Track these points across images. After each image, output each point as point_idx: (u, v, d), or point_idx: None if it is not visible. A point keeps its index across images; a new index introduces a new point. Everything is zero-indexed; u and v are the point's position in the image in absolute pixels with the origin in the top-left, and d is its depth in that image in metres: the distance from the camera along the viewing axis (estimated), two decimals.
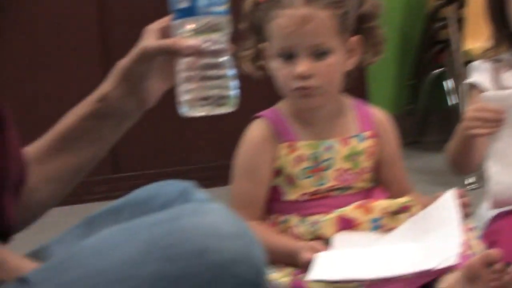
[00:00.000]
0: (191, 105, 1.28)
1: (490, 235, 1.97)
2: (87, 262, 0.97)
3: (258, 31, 1.88)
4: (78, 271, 0.97)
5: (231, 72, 1.31)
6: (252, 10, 1.88)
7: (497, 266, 1.59)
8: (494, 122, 1.93)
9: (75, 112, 1.35)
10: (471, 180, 3.05)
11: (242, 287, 0.97)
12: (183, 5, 1.24)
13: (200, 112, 1.28)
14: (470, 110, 1.96)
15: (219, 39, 1.28)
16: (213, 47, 1.28)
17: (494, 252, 1.61)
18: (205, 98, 1.26)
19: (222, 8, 1.27)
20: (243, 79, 1.96)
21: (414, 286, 1.65)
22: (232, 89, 1.28)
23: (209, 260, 0.96)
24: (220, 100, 1.26)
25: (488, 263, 1.59)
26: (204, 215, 0.99)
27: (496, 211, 2.04)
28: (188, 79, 1.29)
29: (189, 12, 1.24)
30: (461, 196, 1.80)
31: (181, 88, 1.29)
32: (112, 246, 0.98)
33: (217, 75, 1.28)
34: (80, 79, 3.30)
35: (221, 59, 1.29)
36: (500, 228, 1.98)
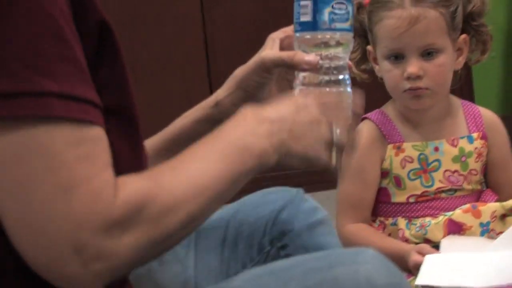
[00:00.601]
0: None
1: None
2: None
3: (362, 34, 1.87)
4: None
5: (349, 89, 1.26)
6: (356, 12, 1.87)
7: None
8: None
9: (189, 115, 1.36)
10: None
11: None
12: (305, 18, 1.21)
13: None
14: None
15: (340, 56, 1.24)
16: (333, 64, 1.24)
17: None
18: None
19: (345, 25, 1.22)
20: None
21: None
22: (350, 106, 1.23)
23: None
24: None
25: None
26: (359, 265, 0.96)
27: None
28: None
29: (311, 27, 1.21)
30: None
31: None
32: None
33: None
34: (185, 88, 3.35)
35: (341, 76, 1.25)
36: None
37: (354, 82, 1.91)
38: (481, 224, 1.78)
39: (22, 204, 0.91)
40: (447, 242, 1.76)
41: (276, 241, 1.32)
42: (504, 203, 1.79)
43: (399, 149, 1.82)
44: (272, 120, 1.07)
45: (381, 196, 1.84)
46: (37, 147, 0.91)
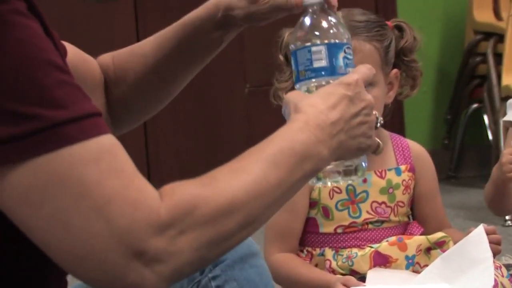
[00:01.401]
0: (328, 176, 1.20)
1: None
2: None
3: None
4: None
5: None
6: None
7: None
8: None
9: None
10: (509, 217, 3.01)
11: None
12: (320, 64, 1.17)
13: (334, 182, 1.21)
14: (505, 153, 1.95)
15: None
16: None
17: None
18: (345, 172, 1.19)
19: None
20: (279, 110, 1.99)
21: None
22: (361, 158, 1.20)
23: None
24: (355, 170, 1.19)
25: None
26: None
27: None
28: None
29: (328, 72, 1.17)
30: (491, 232, 1.76)
31: None
32: None
33: None
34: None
35: None
36: None
37: (278, 108, 1.94)
38: (407, 257, 1.79)
39: (62, 235, 0.92)
40: (372, 274, 1.77)
41: (207, 271, 1.31)
42: (430, 237, 1.81)
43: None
44: (332, 123, 1.07)
45: (309, 226, 1.84)
46: (60, 177, 0.92)
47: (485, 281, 1.65)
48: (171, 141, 3.50)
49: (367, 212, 1.83)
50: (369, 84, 1.15)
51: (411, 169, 1.88)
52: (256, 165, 1.02)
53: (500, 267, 1.78)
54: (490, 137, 3.72)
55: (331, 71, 1.16)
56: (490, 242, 1.71)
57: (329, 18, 1.19)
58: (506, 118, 2.10)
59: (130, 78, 1.34)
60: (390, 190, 1.85)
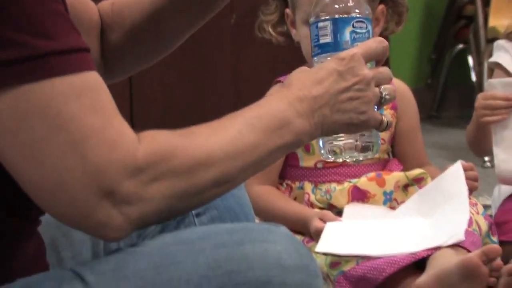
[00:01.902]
0: (344, 152, 1.19)
1: (502, 215, 2.01)
2: (146, 274, 0.96)
3: None
4: (138, 283, 0.95)
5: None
6: None
7: (497, 262, 1.57)
8: (503, 109, 1.96)
9: None
10: (488, 158, 3.04)
11: None
12: (326, 40, 1.17)
13: (350, 157, 1.20)
14: (479, 97, 2.00)
15: None
16: None
17: (494, 248, 1.59)
18: (363, 148, 1.18)
19: None
20: (264, 43, 2.00)
21: (401, 265, 1.65)
22: (378, 135, 1.19)
23: None
24: (371, 147, 1.18)
25: (488, 260, 1.56)
26: (269, 244, 0.97)
27: (510, 190, 2.06)
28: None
29: (332, 48, 1.16)
30: (469, 169, 1.79)
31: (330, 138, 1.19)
32: (173, 262, 0.96)
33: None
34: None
35: None
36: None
37: (271, 44, 1.95)
38: (385, 193, 1.81)
39: (35, 165, 0.92)
40: (350, 209, 1.79)
41: None
42: (408, 173, 1.83)
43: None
44: (314, 97, 1.07)
45: (290, 159, 1.85)
46: (40, 108, 0.91)
47: (460, 215, 1.67)
48: (156, 74, 3.49)
49: None
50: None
51: (393, 107, 1.89)
52: (234, 126, 1.03)
53: (476, 204, 1.81)
54: (474, 78, 3.74)
55: (335, 46, 1.15)
56: (467, 179, 1.74)
57: None
58: (492, 59, 2.12)
59: (127, 24, 1.32)
60: None
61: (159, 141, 0.98)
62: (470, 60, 3.81)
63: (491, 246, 1.59)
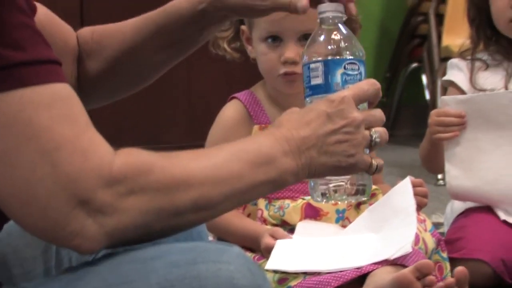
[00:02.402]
0: (335, 195, 1.19)
1: (454, 232, 2.05)
2: None
3: None
4: None
5: None
6: None
7: (429, 278, 1.58)
8: (456, 126, 2.00)
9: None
10: (441, 176, 3.07)
11: None
12: (317, 81, 1.17)
13: (340, 200, 1.21)
14: (432, 114, 2.04)
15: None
16: None
17: (427, 263, 1.60)
18: (357, 191, 1.18)
19: None
20: (219, 61, 2.01)
21: (346, 279, 1.66)
22: (370, 178, 1.18)
23: None
24: (362, 190, 1.18)
25: (421, 274, 1.57)
26: (222, 264, 0.96)
27: (463, 208, 2.11)
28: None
29: (323, 90, 1.16)
30: (418, 185, 1.80)
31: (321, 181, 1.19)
32: (125, 282, 0.96)
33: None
34: None
35: None
36: (466, 224, 2.05)
37: (224, 60, 1.95)
38: (337, 211, 1.82)
39: (6, 176, 0.92)
40: (302, 226, 1.80)
41: None
42: None
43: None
44: (302, 138, 1.07)
45: None
46: (10, 118, 0.91)
47: (407, 228, 1.68)
48: None
49: None
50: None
51: None
52: (218, 154, 1.03)
53: (425, 221, 1.83)
54: (428, 96, 3.79)
55: (326, 88, 1.15)
56: (416, 194, 1.75)
57: (335, 33, 1.18)
58: (446, 78, 2.16)
59: (106, 53, 1.32)
60: None
61: (137, 155, 0.98)
62: (424, 79, 3.86)
63: (424, 261, 1.60)
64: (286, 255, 1.72)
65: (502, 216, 2.05)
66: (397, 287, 1.57)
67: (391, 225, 1.73)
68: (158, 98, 3.53)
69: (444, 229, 2.18)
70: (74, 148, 0.93)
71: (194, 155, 1.03)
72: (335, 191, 1.16)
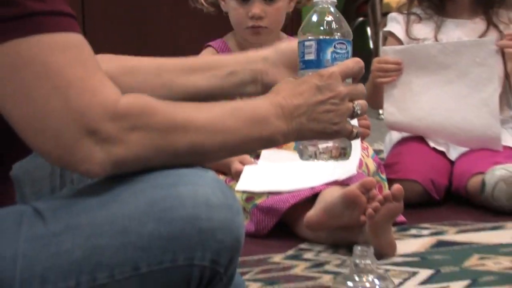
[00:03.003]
0: (317, 156, 1.24)
1: (392, 157, 2.24)
2: (95, 209, 1.01)
3: None
4: (87, 217, 1.01)
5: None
6: None
7: (373, 192, 1.68)
8: (393, 72, 2.19)
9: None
10: (382, 111, 3.24)
11: (223, 251, 1.03)
12: (310, 57, 1.23)
13: (324, 160, 1.25)
14: (375, 62, 2.23)
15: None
16: None
17: (370, 180, 1.69)
18: (340, 153, 1.24)
19: None
20: (196, 12, 2.13)
21: (301, 197, 1.81)
22: (349, 142, 1.24)
23: (199, 226, 1.01)
24: (344, 152, 1.24)
25: (365, 190, 1.67)
26: (199, 186, 1.02)
27: (399, 137, 2.29)
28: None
29: (314, 64, 1.22)
30: (362, 118, 1.90)
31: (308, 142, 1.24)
32: (118, 200, 1.01)
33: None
34: None
35: None
36: (401, 151, 2.23)
37: (201, 13, 2.10)
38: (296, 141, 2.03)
39: (24, 108, 0.98)
40: (266, 153, 1.97)
41: None
42: None
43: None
44: (295, 106, 1.13)
45: None
46: (28, 58, 0.97)
47: (353, 154, 1.89)
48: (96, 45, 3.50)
49: None
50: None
51: None
52: (218, 109, 1.08)
53: (367, 148, 2.01)
54: (372, 46, 3.90)
55: (318, 63, 1.21)
56: (361, 126, 1.78)
57: (328, 15, 1.25)
58: (386, 29, 2.35)
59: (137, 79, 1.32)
60: None
61: (143, 98, 1.03)
62: (369, 31, 3.98)
63: (368, 179, 1.71)
64: (252, 178, 1.89)
65: (432, 144, 2.23)
66: (345, 200, 1.68)
67: None
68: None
69: (384, 155, 2.35)
70: (84, 86, 0.98)
71: (196, 106, 1.08)
72: (322, 153, 1.22)
